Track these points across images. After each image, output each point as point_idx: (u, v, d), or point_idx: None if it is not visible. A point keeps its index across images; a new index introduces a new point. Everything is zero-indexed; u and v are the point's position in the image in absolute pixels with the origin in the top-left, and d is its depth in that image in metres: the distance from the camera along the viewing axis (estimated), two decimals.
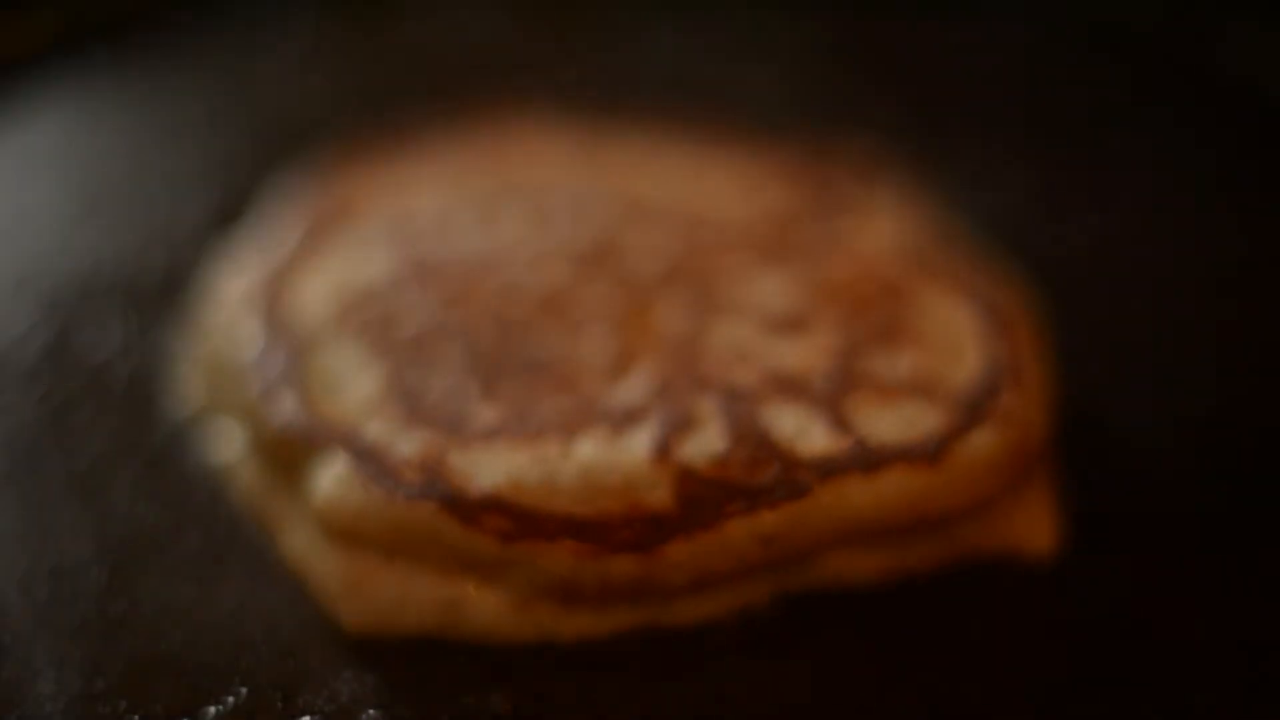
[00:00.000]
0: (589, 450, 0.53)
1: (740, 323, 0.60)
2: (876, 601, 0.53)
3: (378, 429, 0.55)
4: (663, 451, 0.52)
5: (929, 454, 0.53)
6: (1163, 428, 0.62)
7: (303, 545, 0.54)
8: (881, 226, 0.66)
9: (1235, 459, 0.60)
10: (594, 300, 0.61)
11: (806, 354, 0.57)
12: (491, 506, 0.51)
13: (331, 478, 0.53)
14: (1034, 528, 0.56)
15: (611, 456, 0.52)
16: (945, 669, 0.51)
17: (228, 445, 0.59)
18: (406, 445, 0.54)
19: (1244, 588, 0.55)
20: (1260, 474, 0.60)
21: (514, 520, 0.51)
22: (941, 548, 0.54)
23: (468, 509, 0.51)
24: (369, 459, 0.53)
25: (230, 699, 0.50)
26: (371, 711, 0.49)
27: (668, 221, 0.67)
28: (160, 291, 0.66)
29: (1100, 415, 0.61)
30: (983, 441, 0.54)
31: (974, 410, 0.55)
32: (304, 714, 0.49)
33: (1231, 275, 0.70)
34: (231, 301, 0.62)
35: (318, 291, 0.62)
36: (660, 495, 0.51)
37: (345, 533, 0.53)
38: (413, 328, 0.59)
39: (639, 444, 0.53)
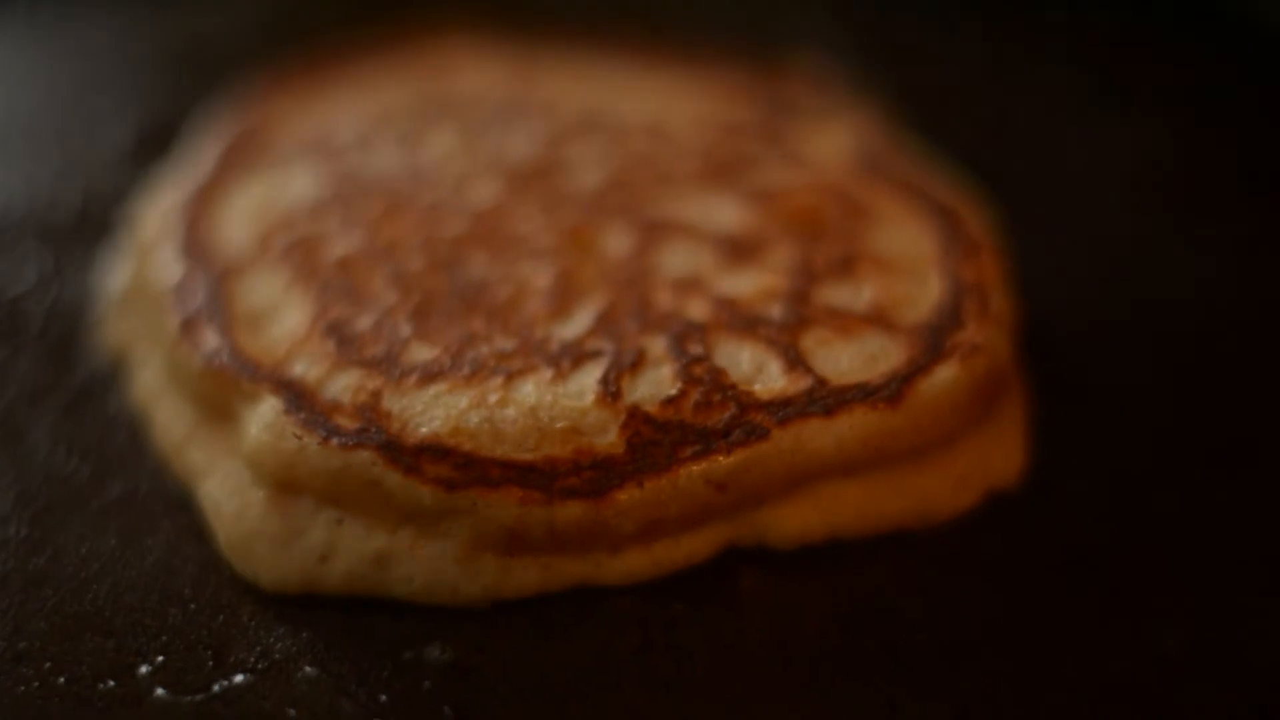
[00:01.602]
0: (533, 392, 0.52)
1: (690, 247, 0.59)
2: (832, 551, 0.53)
3: (306, 368, 0.54)
4: (611, 393, 0.52)
5: (891, 393, 0.53)
6: (1128, 350, 0.63)
7: (227, 492, 0.53)
8: (835, 136, 0.67)
9: (1204, 378, 0.61)
10: (530, 222, 0.61)
11: (761, 283, 0.57)
12: (432, 453, 0.51)
13: (260, 422, 0.52)
14: (1000, 457, 0.56)
15: (557, 398, 0.52)
16: (907, 616, 0.51)
17: (150, 386, 0.58)
18: (338, 386, 0.53)
19: (1210, 516, 0.56)
20: (1230, 393, 0.61)
21: (456, 467, 0.50)
22: (900, 490, 0.54)
23: (407, 456, 0.51)
24: (299, 401, 0.53)
25: (159, 657, 0.49)
26: (307, 668, 0.49)
27: (607, 135, 0.67)
28: (76, 225, 0.66)
29: (1062, 338, 0.62)
30: (947, 377, 0.53)
31: (937, 343, 0.55)
32: (236, 671, 0.49)
33: (1198, 190, 0.72)
34: (148, 231, 0.62)
35: (237, 216, 0.62)
36: (609, 439, 0.51)
37: (275, 480, 0.52)
38: (338, 253, 0.59)
39: (586, 385, 0.53)
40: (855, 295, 0.57)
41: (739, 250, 0.59)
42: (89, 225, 0.66)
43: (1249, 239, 0.70)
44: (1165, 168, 0.73)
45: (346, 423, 0.52)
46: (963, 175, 0.66)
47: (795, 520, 0.52)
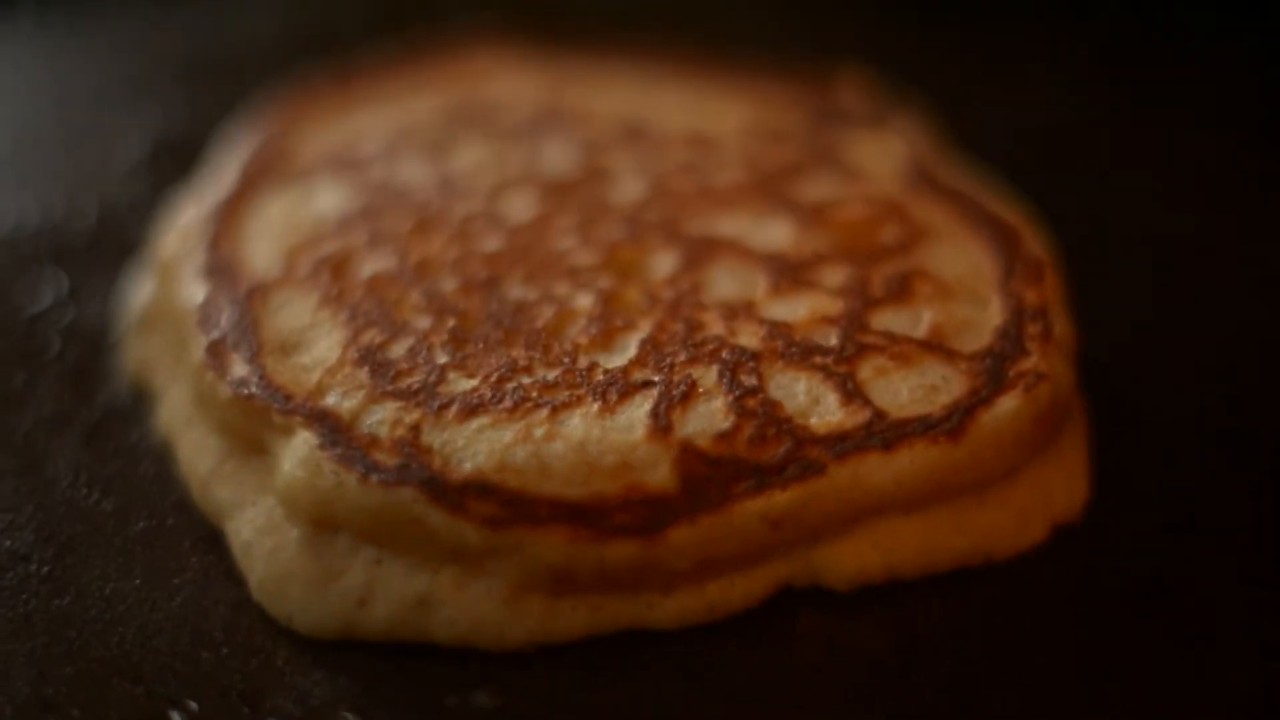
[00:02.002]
0: (580, 426, 0.51)
1: (738, 267, 0.58)
2: (890, 590, 0.52)
3: (340, 398, 0.53)
4: (662, 426, 0.51)
5: (952, 426, 0.51)
6: (1184, 373, 0.61)
7: (258, 530, 0.52)
8: (885, 146, 0.65)
9: (1265, 399, 0.60)
10: (568, 238, 0.60)
11: (815, 307, 0.56)
12: (477, 490, 0.49)
13: (294, 457, 0.51)
14: (1063, 489, 0.55)
15: (605, 433, 0.51)
16: (968, 658, 0.50)
17: (174, 414, 0.57)
18: (374, 419, 0.52)
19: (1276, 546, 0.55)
20: None
21: (502, 505, 0.49)
22: (960, 527, 0.52)
23: (452, 493, 0.49)
24: (335, 435, 0.51)
25: (192, 704, 0.48)
26: (347, 715, 0.48)
27: (647, 144, 0.65)
28: (92, 243, 0.65)
29: (1116, 361, 0.61)
30: (1010, 408, 0.52)
31: (999, 372, 0.53)
32: (271, 718, 0.47)
33: (1255, 200, 0.70)
34: (168, 249, 0.60)
35: (262, 232, 0.61)
36: (660, 475, 0.50)
37: (310, 518, 0.51)
38: (368, 272, 0.58)
39: (635, 418, 0.51)
40: (914, 320, 0.55)
41: (790, 270, 0.57)
42: (106, 243, 0.65)
43: None
44: (1222, 181, 0.72)
45: (385, 458, 0.50)
46: (1009, 190, 0.65)
47: (852, 559, 0.51)
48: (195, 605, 0.51)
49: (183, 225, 0.62)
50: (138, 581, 0.52)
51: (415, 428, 0.51)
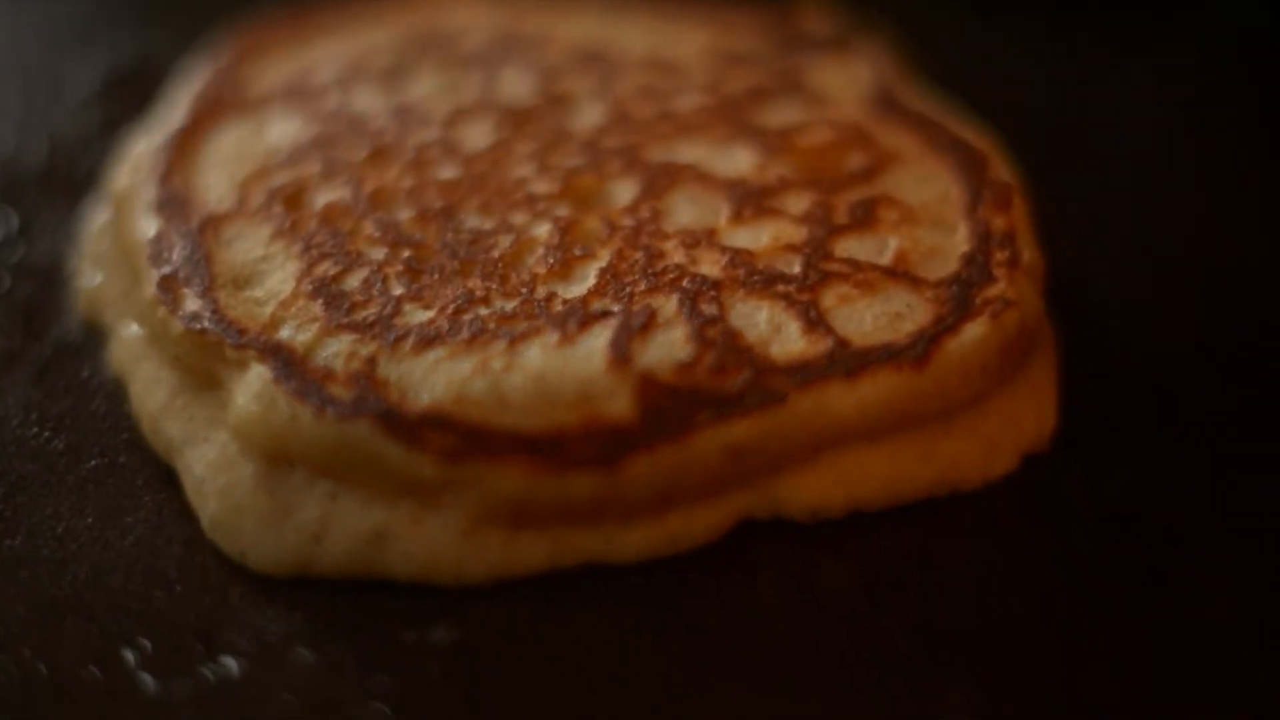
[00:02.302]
0: (539, 357, 0.51)
1: (699, 194, 0.58)
2: (854, 523, 0.51)
3: (295, 331, 0.53)
4: (621, 357, 0.51)
5: (917, 354, 0.51)
6: (1153, 298, 0.61)
7: (211, 467, 0.52)
8: (850, 71, 0.65)
9: (1235, 325, 0.60)
10: (525, 166, 0.59)
11: (777, 234, 0.56)
12: (435, 423, 0.49)
13: (248, 391, 0.51)
14: (1032, 418, 0.55)
15: (565, 363, 0.50)
16: (934, 592, 0.50)
17: (126, 350, 0.56)
18: (329, 352, 0.52)
19: (1249, 470, 0.55)
20: (1261, 343, 0.60)
21: (460, 437, 0.49)
22: (926, 457, 0.52)
23: (409, 426, 0.49)
24: (289, 368, 0.51)
25: (145, 642, 0.48)
26: (302, 651, 0.48)
27: (606, 68, 0.65)
28: (43, 178, 0.64)
29: (1083, 288, 0.61)
30: (976, 335, 0.52)
31: (965, 299, 0.53)
32: (227, 656, 0.48)
33: (1222, 131, 0.71)
34: (120, 182, 0.60)
35: (214, 164, 0.60)
36: (620, 405, 0.50)
37: (265, 453, 0.51)
38: (323, 203, 0.58)
39: (594, 348, 0.51)
40: (879, 247, 0.55)
41: (753, 198, 0.57)
42: (57, 178, 0.64)
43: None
44: (1186, 106, 0.72)
45: (341, 391, 0.50)
46: (971, 117, 0.64)
47: (815, 490, 0.51)
48: (148, 543, 0.51)
49: (134, 159, 0.61)
50: (90, 520, 0.52)
51: (371, 360, 0.51)
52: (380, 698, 0.46)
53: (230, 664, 0.47)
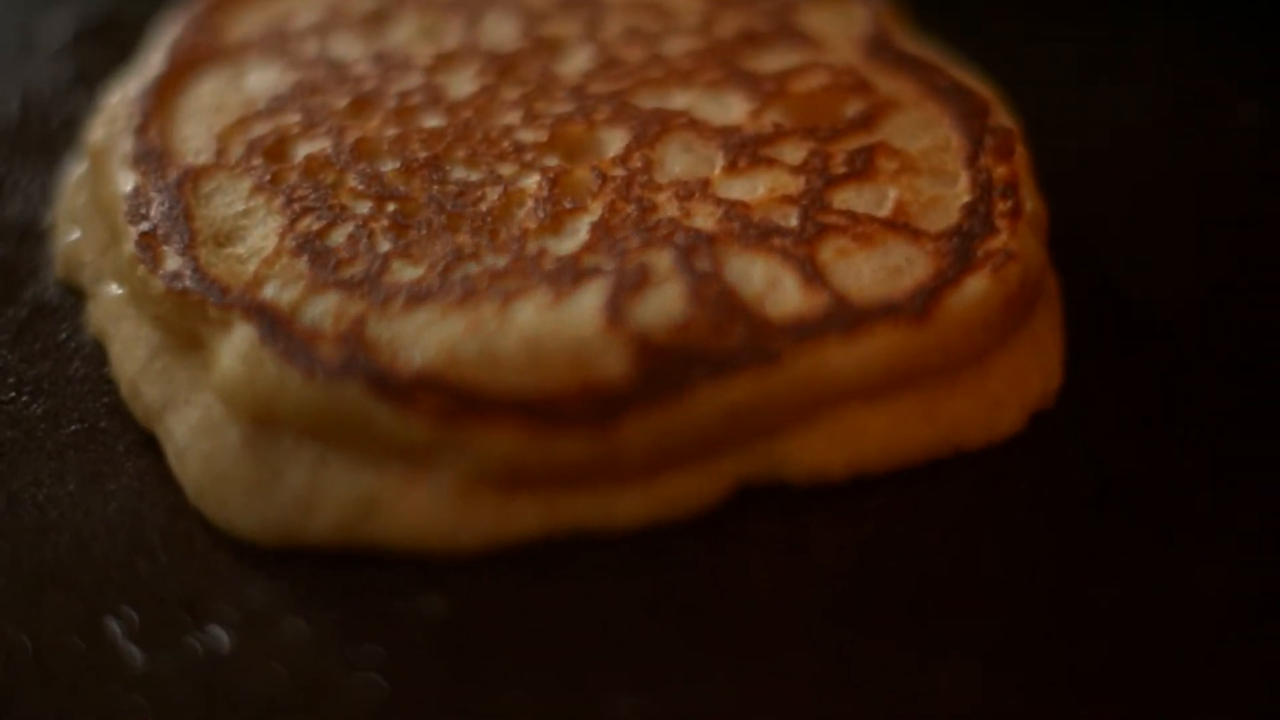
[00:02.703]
0: (532, 317, 0.50)
1: (692, 143, 0.57)
2: (853, 487, 0.51)
3: (279, 290, 0.52)
4: (615, 316, 0.50)
5: (917, 309, 0.51)
6: (1156, 248, 0.61)
7: (195, 431, 0.51)
8: (849, 14, 0.64)
9: (1241, 274, 0.60)
10: (512, 114, 0.59)
11: (773, 185, 0.55)
12: (426, 385, 0.49)
13: (233, 352, 0.50)
14: (1037, 375, 0.54)
15: (557, 323, 0.50)
16: (934, 558, 0.49)
17: (105, 310, 0.56)
18: (316, 311, 0.51)
19: (1250, 417, 0.54)
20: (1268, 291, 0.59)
21: (452, 399, 0.48)
22: (928, 416, 0.52)
23: (399, 388, 0.49)
24: (274, 328, 0.50)
25: (130, 612, 0.48)
26: (291, 620, 0.47)
27: (597, 10, 0.64)
28: (14, 131, 0.64)
29: (1093, 243, 0.60)
30: (978, 289, 0.52)
31: (966, 251, 0.53)
32: (214, 626, 0.47)
33: (1221, 79, 0.70)
34: (95, 135, 0.59)
35: (192, 115, 0.59)
36: (614, 365, 0.49)
37: (251, 417, 0.50)
38: (304, 155, 0.57)
39: (587, 307, 0.50)
40: (878, 198, 0.55)
41: (748, 147, 0.56)
42: (29, 132, 0.64)
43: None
44: (1187, 53, 0.72)
45: (330, 352, 0.49)
46: (966, 63, 0.64)
47: (814, 452, 0.51)
48: (131, 511, 0.51)
49: (109, 112, 0.60)
50: (71, 487, 0.52)
51: (360, 320, 0.51)
52: (372, 668, 0.46)
53: (218, 634, 0.47)
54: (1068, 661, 0.47)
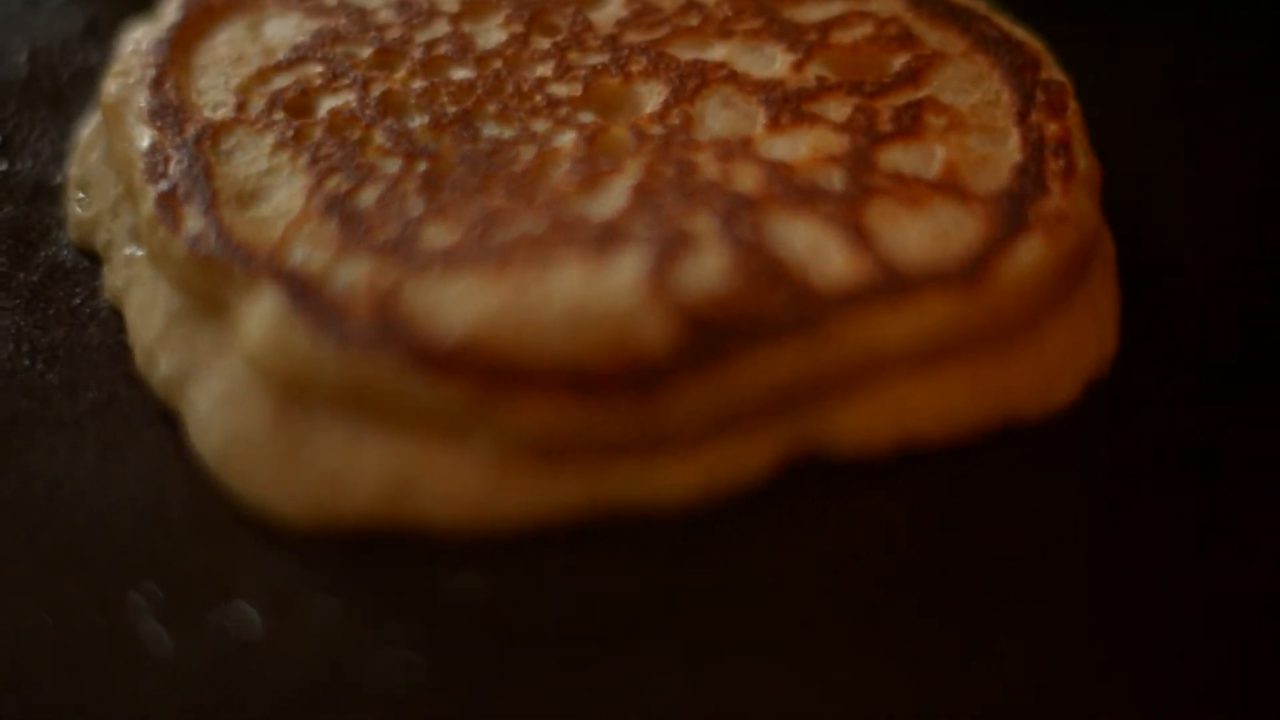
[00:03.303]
0: (570, 284, 0.49)
1: (733, 98, 0.56)
2: (903, 461, 0.50)
3: (309, 254, 0.51)
4: (655, 283, 0.49)
5: (966, 275, 0.50)
6: (1211, 210, 0.60)
7: (218, 401, 0.50)
8: None
9: None
10: (544, 66, 0.58)
11: (816, 144, 0.54)
12: (464, 355, 0.48)
13: (262, 320, 0.49)
14: (1092, 341, 0.54)
15: (597, 291, 0.49)
16: (988, 535, 0.49)
17: (123, 273, 0.55)
18: (349, 276, 0.50)
19: None
20: None
21: (490, 369, 0.48)
22: (979, 386, 0.51)
23: (437, 359, 0.48)
24: (305, 295, 0.50)
25: (153, 590, 0.47)
26: (320, 597, 0.47)
27: None
28: (24, 86, 0.63)
29: (1147, 202, 0.60)
30: (1030, 253, 0.51)
31: (1018, 213, 0.52)
32: (240, 602, 0.47)
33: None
34: (109, 90, 0.58)
35: (209, 67, 0.58)
36: (654, 334, 0.48)
37: (280, 388, 0.49)
38: (328, 109, 0.56)
39: (627, 274, 0.50)
40: (925, 158, 0.54)
41: (790, 102, 0.56)
42: (38, 86, 0.63)
43: None
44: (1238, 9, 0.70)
45: (365, 322, 0.49)
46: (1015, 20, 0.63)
47: (862, 423, 0.50)
48: (153, 484, 0.50)
49: (122, 64, 0.59)
50: (89, 459, 0.51)
51: (395, 288, 0.50)
52: (409, 648, 0.46)
53: (244, 611, 0.47)
54: (1117, 642, 0.46)
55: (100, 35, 0.65)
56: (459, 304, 0.49)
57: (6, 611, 0.47)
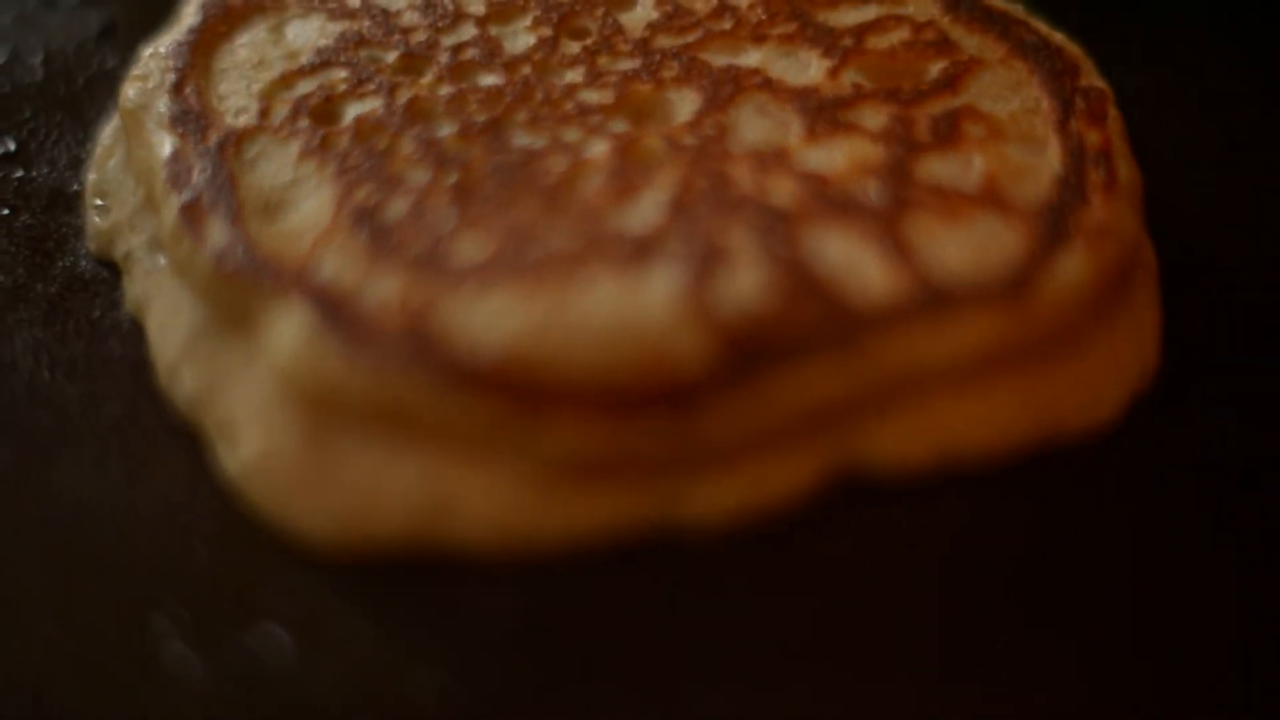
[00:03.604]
0: (605, 300, 0.49)
1: (768, 106, 0.56)
2: (944, 480, 0.50)
3: (339, 268, 0.51)
4: (691, 298, 0.49)
5: (1006, 291, 0.50)
6: (1253, 220, 0.60)
7: (246, 417, 0.50)
8: None
9: None
10: (575, 70, 0.57)
11: (853, 154, 0.54)
12: (499, 373, 0.47)
13: (291, 338, 0.49)
14: (1134, 354, 0.53)
15: (632, 308, 0.49)
16: (1032, 559, 0.48)
17: (144, 284, 0.55)
18: (381, 292, 0.50)
19: None
20: None
21: (525, 387, 0.47)
22: (1021, 403, 0.51)
23: (472, 377, 0.47)
24: (337, 312, 0.49)
25: (177, 608, 0.46)
26: (353, 617, 0.46)
27: None
28: (40, 89, 0.62)
29: (1188, 211, 0.59)
30: (1071, 267, 0.51)
31: (1059, 225, 0.52)
32: (268, 622, 0.46)
33: None
34: (128, 94, 0.58)
35: (231, 71, 0.58)
36: (690, 352, 0.48)
37: (311, 406, 0.49)
38: (354, 115, 0.55)
39: (662, 291, 0.49)
40: (964, 168, 0.54)
41: (826, 110, 0.55)
42: (53, 89, 0.62)
43: None
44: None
45: (397, 339, 0.48)
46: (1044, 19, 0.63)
47: (899, 442, 0.50)
48: (177, 501, 0.50)
49: (141, 68, 0.59)
50: (112, 476, 0.51)
51: (428, 305, 0.49)
52: (444, 671, 0.45)
53: (273, 634, 0.46)
54: (1168, 666, 0.46)
55: (117, 38, 0.65)
56: (493, 321, 0.49)
57: (26, 632, 0.46)
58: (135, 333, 0.54)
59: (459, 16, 0.60)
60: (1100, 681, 0.46)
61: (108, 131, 0.60)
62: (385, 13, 0.60)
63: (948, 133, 0.55)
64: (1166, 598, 0.48)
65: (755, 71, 0.57)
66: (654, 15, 0.60)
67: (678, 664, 0.46)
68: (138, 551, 0.48)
